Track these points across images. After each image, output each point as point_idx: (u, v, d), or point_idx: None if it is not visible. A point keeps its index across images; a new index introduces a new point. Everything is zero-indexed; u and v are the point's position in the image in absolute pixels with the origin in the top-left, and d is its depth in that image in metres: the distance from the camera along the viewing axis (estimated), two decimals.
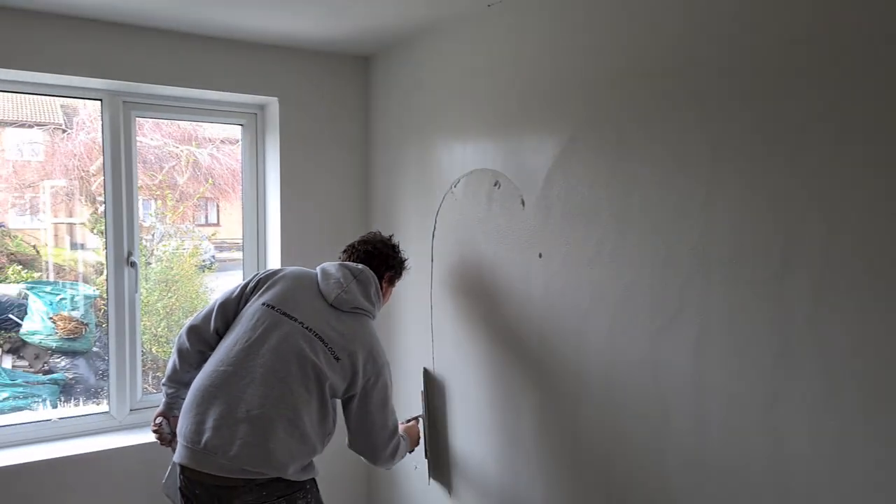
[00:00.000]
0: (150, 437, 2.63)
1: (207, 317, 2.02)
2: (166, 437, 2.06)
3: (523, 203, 2.10)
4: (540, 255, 2.04)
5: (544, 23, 2.01)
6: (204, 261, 5.51)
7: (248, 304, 1.98)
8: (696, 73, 1.56)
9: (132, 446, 2.58)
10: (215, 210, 6.28)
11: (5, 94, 4.93)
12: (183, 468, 1.81)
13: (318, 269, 2.08)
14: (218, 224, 6.37)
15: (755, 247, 1.44)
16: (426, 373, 2.57)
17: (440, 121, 2.50)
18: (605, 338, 1.82)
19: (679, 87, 1.60)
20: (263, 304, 1.94)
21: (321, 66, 2.88)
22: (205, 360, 1.95)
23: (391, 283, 2.26)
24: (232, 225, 6.09)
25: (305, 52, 2.83)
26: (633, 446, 1.75)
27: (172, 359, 2.05)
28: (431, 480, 2.55)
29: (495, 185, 2.20)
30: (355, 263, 2.12)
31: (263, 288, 2.00)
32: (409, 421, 2.46)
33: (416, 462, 2.63)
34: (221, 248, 5.80)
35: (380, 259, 2.18)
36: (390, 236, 2.30)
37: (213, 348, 1.96)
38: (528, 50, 2.08)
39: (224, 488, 1.75)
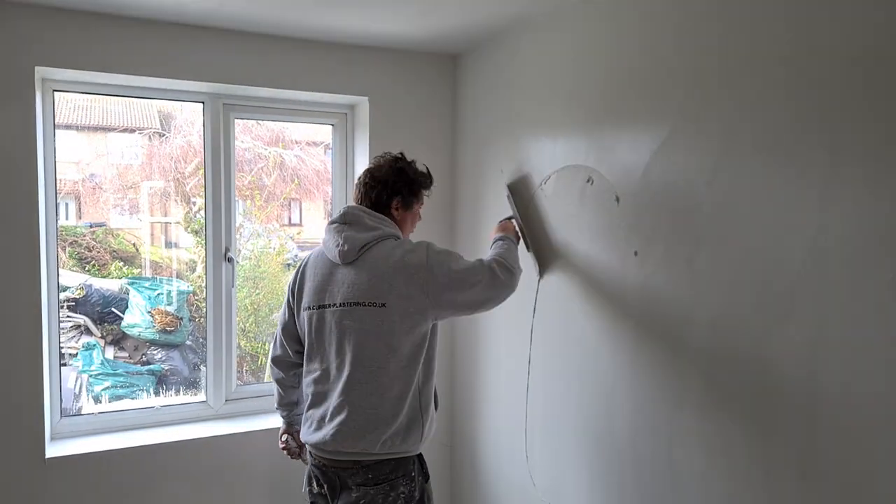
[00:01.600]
0: (243, 426, 2.75)
1: (280, 345, 2.11)
2: (294, 451, 2.21)
3: (618, 199, 2.04)
4: (636, 253, 1.98)
5: (641, 11, 1.96)
6: (288, 259, 5.68)
7: (298, 314, 2.02)
8: (814, 62, 1.47)
9: (227, 435, 2.69)
10: (299, 210, 6.47)
11: (110, 101, 5.25)
12: (310, 452, 2.00)
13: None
14: (301, 224, 6.56)
15: (875, 247, 1.34)
16: (510, 186, 2.50)
17: (530, 118, 2.48)
18: (707, 337, 1.74)
19: (795, 75, 1.51)
20: (306, 308, 1.97)
21: (410, 66, 2.91)
22: (301, 376, 2.08)
23: (406, 206, 2.03)
24: (314, 225, 6.27)
25: (395, 52, 2.87)
26: (737, 450, 1.67)
27: (276, 388, 2.18)
28: (542, 274, 2.40)
29: (588, 181, 2.16)
30: (343, 209, 1.99)
31: (301, 293, 2.02)
32: (501, 221, 2.37)
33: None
34: (304, 247, 5.96)
35: (380, 187, 1.98)
36: (399, 155, 2.07)
37: (300, 364, 2.07)
38: (624, 40, 2.03)
39: (338, 469, 1.90)
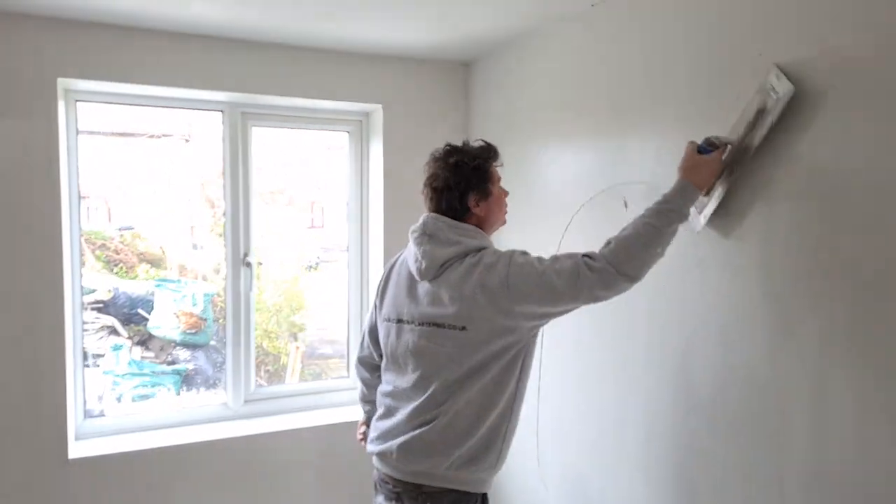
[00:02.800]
0: (262, 427, 2.80)
1: (365, 346, 2.06)
2: None
3: (626, 205, 2.04)
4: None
5: (650, 18, 1.95)
6: (310, 262, 5.75)
7: (381, 324, 1.91)
8: (831, 64, 1.46)
9: (246, 436, 2.74)
10: (321, 213, 6.54)
11: (136, 108, 5.36)
12: (376, 474, 1.90)
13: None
14: (323, 227, 6.63)
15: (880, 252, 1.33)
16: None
17: (542, 124, 2.49)
18: (716, 349, 1.74)
19: (813, 81, 1.50)
20: (385, 319, 1.87)
21: (423, 74, 2.94)
22: None
23: (484, 196, 1.78)
24: (336, 228, 6.34)
25: (408, 60, 2.90)
26: (748, 458, 1.66)
27: (359, 384, 2.12)
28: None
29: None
30: (423, 219, 1.81)
31: (383, 301, 1.92)
32: (706, 148, 1.64)
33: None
34: (326, 249, 6.03)
35: (449, 192, 1.77)
36: (448, 147, 1.82)
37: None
38: (633, 47, 2.02)
39: (398, 491, 1.79)
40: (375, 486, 1.92)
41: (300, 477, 2.81)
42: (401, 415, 1.78)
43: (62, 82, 2.41)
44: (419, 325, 1.75)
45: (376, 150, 2.95)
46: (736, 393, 1.68)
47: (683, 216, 1.63)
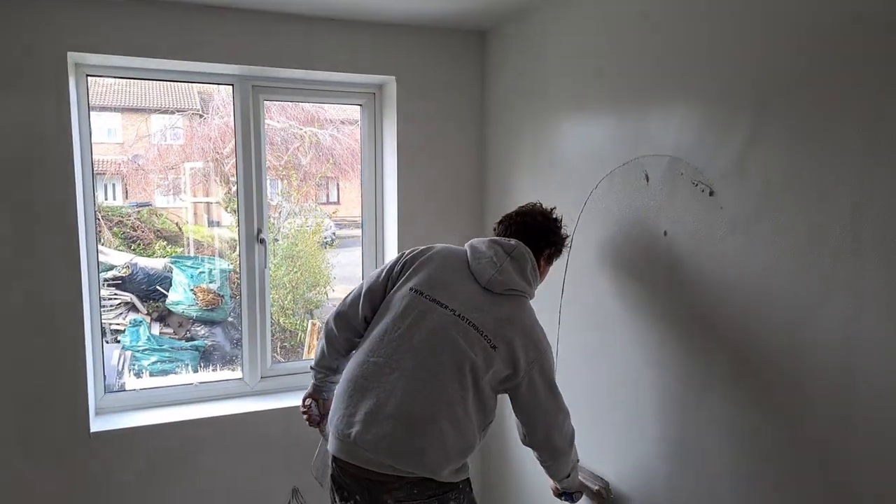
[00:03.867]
0: (278, 403, 2.81)
1: (355, 303, 1.93)
2: (315, 419, 2.06)
3: (647, 178, 1.99)
4: (665, 233, 1.93)
5: None
6: (325, 237, 5.74)
7: (396, 289, 1.85)
8: (859, 35, 1.38)
9: (262, 411, 2.75)
10: (335, 189, 6.51)
11: (150, 83, 5.34)
12: (335, 458, 1.79)
13: (467, 247, 1.91)
14: (338, 202, 6.61)
15: None
16: None
17: (561, 95, 2.42)
18: (739, 321, 1.69)
19: (834, 52, 1.43)
20: (411, 289, 1.81)
21: (437, 44, 2.87)
22: (353, 347, 1.91)
23: (549, 261, 2.01)
24: (351, 203, 6.32)
25: (422, 30, 2.83)
26: (767, 436, 1.62)
27: (320, 344, 2.00)
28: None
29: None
30: (508, 239, 1.90)
31: (410, 270, 1.86)
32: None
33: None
34: (341, 225, 6.02)
35: (539, 233, 1.95)
36: (552, 209, 2.04)
37: (361, 335, 1.90)
38: (655, 15, 1.94)
39: (373, 482, 1.71)
40: (340, 488, 1.80)
41: (313, 451, 2.82)
42: (391, 400, 1.68)
43: (73, 56, 2.39)
44: (458, 316, 1.77)
45: (390, 122, 2.90)
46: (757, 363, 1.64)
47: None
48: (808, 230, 1.50)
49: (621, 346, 2.13)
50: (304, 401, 2.07)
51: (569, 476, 2.01)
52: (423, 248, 1.95)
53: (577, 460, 2.03)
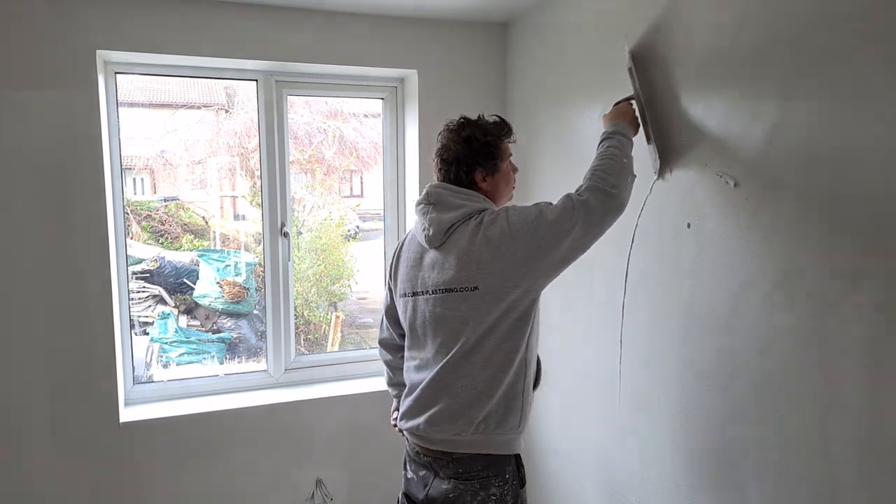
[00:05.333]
0: (302, 395, 2.85)
1: (385, 328, 2.06)
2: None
3: (671, 169, 1.96)
4: (689, 226, 1.90)
5: None
6: (349, 230, 5.77)
7: (398, 301, 1.93)
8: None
9: (287, 403, 2.79)
10: (359, 182, 6.54)
11: (177, 79, 5.41)
12: (406, 446, 1.93)
13: None
14: (362, 195, 6.64)
15: None
16: (632, 54, 2.02)
17: (583, 85, 2.40)
18: (763, 316, 1.67)
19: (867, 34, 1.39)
20: (402, 296, 1.88)
21: (458, 36, 2.86)
22: None
23: (491, 172, 1.81)
24: (375, 196, 6.33)
25: (443, 23, 2.83)
26: (790, 431, 1.60)
27: (385, 369, 2.12)
28: (662, 173, 1.98)
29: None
30: (427, 189, 1.84)
31: (396, 277, 1.93)
32: (617, 103, 1.97)
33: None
34: (365, 218, 6.05)
35: (457, 165, 1.80)
36: (462, 120, 1.84)
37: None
38: (677, 4, 1.91)
39: (428, 460, 1.81)
40: (406, 460, 1.93)
41: (337, 443, 2.86)
42: (425, 387, 1.78)
43: (101, 54, 2.43)
44: (434, 293, 1.76)
45: (412, 116, 2.90)
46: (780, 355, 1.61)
47: (628, 139, 1.85)
48: (834, 219, 1.47)
49: (637, 339, 2.12)
50: (392, 415, 2.13)
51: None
52: (396, 250, 1.96)
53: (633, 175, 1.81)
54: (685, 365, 1.94)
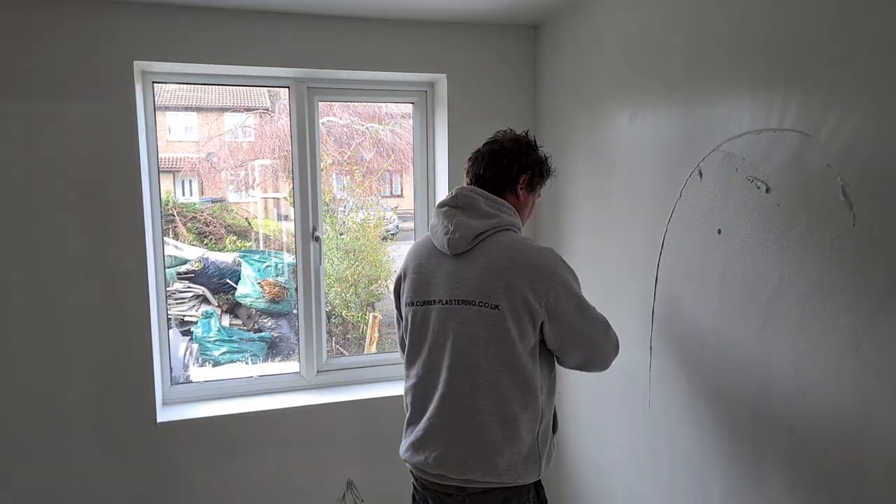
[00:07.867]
0: (333, 397, 2.87)
1: (401, 346, 1.90)
2: None
3: (701, 174, 1.90)
4: (719, 232, 1.84)
5: None
6: (387, 231, 5.81)
7: (404, 309, 1.78)
8: None
9: (319, 405, 2.82)
10: (398, 182, 6.58)
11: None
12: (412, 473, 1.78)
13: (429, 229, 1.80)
14: (401, 196, 6.68)
15: None
16: None
17: (615, 89, 2.34)
18: (796, 323, 1.60)
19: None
20: (408, 304, 1.73)
21: (488, 39, 2.84)
22: None
23: (531, 188, 1.77)
24: (413, 196, 6.36)
25: (473, 26, 2.81)
26: (826, 444, 1.53)
27: None
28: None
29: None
30: (455, 191, 1.73)
31: (403, 290, 1.78)
32: None
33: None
34: (405, 218, 6.08)
35: (510, 158, 1.73)
36: (525, 132, 1.83)
37: None
38: (709, 5, 1.85)
39: (441, 494, 1.67)
40: (413, 492, 1.79)
41: (368, 445, 2.88)
42: (429, 416, 1.64)
43: (138, 65, 2.51)
44: (447, 303, 1.63)
45: (441, 120, 2.90)
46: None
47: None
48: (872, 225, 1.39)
49: (666, 346, 2.06)
50: None
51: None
52: (405, 262, 1.83)
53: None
54: (715, 373, 1.88)
